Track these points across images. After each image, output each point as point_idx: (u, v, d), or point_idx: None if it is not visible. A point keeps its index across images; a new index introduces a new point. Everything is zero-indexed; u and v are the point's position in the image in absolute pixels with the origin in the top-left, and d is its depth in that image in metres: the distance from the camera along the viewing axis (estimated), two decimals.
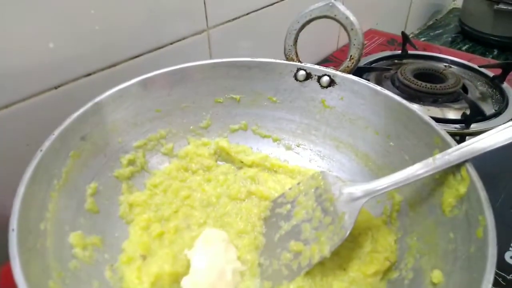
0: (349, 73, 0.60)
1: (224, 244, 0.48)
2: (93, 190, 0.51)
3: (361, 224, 0.51)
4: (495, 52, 1.22)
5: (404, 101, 0.53)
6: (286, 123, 0.65)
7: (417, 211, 0.50)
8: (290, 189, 0.55)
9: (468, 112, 0.76)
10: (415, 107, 0.52)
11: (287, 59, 0.63)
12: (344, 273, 0.47)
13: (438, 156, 0.46)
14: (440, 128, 0.50)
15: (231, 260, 0.48)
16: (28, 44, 0.53)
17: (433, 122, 0.50)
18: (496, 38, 1.24)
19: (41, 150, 0.45)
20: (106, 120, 0.55)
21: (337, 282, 0.46)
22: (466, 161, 0.44)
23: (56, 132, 0.47)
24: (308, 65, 0.61)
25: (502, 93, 0.87)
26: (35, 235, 0.40)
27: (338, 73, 0.59)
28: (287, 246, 0.49)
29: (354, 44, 0.59)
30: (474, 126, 0.75)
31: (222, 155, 0.64)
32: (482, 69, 0.95)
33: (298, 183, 0.55)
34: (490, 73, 0.93)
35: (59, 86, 0.58)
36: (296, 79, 0.62)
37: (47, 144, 0.46)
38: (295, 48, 0.62)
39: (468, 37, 1.30)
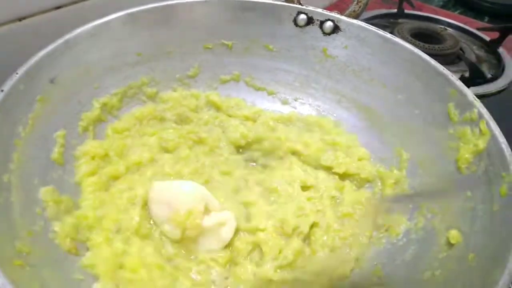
0: (355, 18, 0.54)
1: None
2: (63, 140, 0.45)
3: None
4: (486, 19, 1.18)
5: (417, 50, 0.49)
6: (282, 75, 0.59)
7: (428, 169, 0.46)
8: None
9: (466, 74, 0.73)
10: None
11: (286, 0, 0.56)
12: None
13: None
14: (456, 79, 0.46)
15: None
16: None
17: (448, 73, 0.46)
18: (488, 4, 1.20)
19: (2, 91, 0.38)
20: (79, 62, 0.47)
21: None
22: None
23: (20, 71, 0.40)
24: (310, 8, 0.55)
25: (498, 58, 0.84)
26: None
27: (343, 18, 0.53)
28: None
29: None
30: (471, 90, 0.72)
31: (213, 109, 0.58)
32: (479, 33, 0.91)
33: None
34: (486, 37, 0.90)
35: (23, 18, 0.50)
36: (296, 24, 0.56)
37: (9, 83, 0.39)
38: None
39: (459, 2, 1.26)
